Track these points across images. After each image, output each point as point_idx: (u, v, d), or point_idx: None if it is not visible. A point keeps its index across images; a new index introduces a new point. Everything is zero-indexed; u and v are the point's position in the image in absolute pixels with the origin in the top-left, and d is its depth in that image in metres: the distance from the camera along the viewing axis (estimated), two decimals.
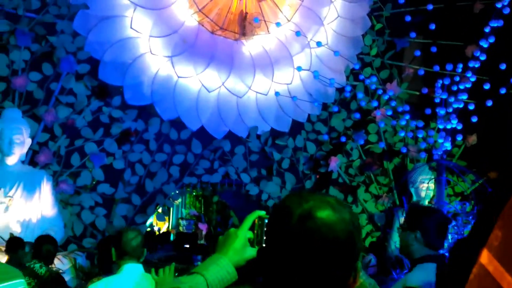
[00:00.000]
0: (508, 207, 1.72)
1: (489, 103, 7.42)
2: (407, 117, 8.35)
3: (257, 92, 9.14)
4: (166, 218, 12.32)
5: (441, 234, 3.67)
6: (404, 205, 7.19)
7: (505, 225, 1.68)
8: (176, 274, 3.82)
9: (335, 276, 1.61)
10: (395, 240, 8.29)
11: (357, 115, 9.13)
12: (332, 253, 1.64)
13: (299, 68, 8.87)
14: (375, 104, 8.88)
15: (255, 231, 2.08)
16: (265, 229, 2.19)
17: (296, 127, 9.45)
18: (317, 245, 1.62)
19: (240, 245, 2.08)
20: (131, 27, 8.37)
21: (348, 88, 8.82)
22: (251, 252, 2.10)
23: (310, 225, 1.64)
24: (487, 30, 6.56)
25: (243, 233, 2.06)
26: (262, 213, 2.10)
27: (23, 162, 7.29)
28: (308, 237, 1.62)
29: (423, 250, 3.53)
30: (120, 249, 4.45)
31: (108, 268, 5.26)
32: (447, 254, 4.74)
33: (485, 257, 1.65)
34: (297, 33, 8.55)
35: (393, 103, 8.51)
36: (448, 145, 7.14)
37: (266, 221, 2.03)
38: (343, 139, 9.27)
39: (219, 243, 2.07)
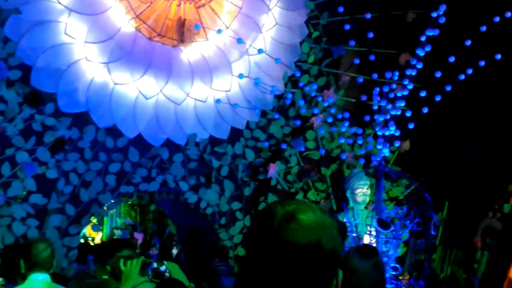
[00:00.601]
0: None
1: (425, 110, 7.64)
2: (347, 123, 8.50)
3: (195, 99, 9.09)
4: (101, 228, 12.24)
5: None
6: (344, 210, 7.32)
7: None
8: None
9: (317, 279, 1.63)
10: None
11: (298, 122, 9.25)
12: (315, 255, 1.67)
13: (241, 76, 8.89)
14: (316, 111, 9.00)
15: None
16: (247, 232, 2.20)
17: (235, 134, 9.46)
18: (299, 246, 1.65)
19: None
20: (65, 33, 8.20)
21: (290, 96, 8.90)
22: None
23: (293, 226, 1.67)
24: (423, 39, 6.75)
25: None
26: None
27: None
28: (291, 239, 1.66)
29: None
30: (29, 261, 4.41)
31: (12, 277, 5.15)
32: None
33: None
34: (239, 40, 8.57)
35: (333, 110, 8.63)
36: (386, 151, 7.31)
37: None
38: (284, 146, 9.36)
39: None
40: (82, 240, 11.64)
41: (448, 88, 7.30)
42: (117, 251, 4.32)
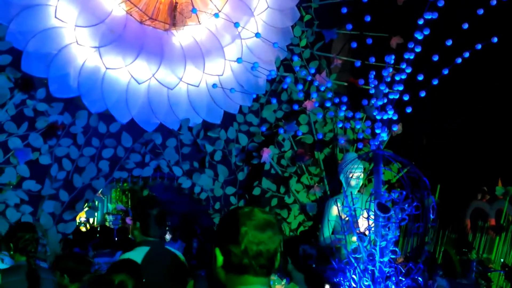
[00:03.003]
0: None
1: (422, 94, 7.69)
2: (344, 107, 8.54)
3: (188, 83, 9.08)
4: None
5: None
6: (343, 194, 7.38)
7: None
8: None
9: None
10: (327, 234, 8.50)
11: (295, 107, 9.26)
12: None
13: (240, 60, 8.83)
14: (314, 95, 9.02)
15: None
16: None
17: (228, 118, 9.49)
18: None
19: None
20: (55, 17, 8.11)
21: (288, 80, 8.88)
22: None
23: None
24: (421, 22, 6.77)
25: None
26: None
27: None
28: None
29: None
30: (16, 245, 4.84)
31: None
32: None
33: None
34: (236, 24, 8.52)
35: (330, 94, 8.66)
36: (384, 135, 7.36)
37: None
38: (281, 130, 9.39)
39: None
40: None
41: (445, 71, 7.36)
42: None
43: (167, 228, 9.22)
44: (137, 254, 4.14)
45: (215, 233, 2.33)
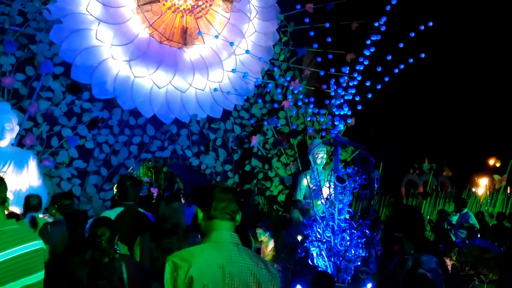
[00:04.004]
0: None
1: (369, 95, 7.74)
2: (311, 106, 8.61)
3: (196, 88, 9.09)
4: None
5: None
6: (311, 170, 7.38)
7: None
8: None
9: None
10: (300, 197, 8.58)
11: (276, 105, 9.32)
12: None
13: (234, 70, 8.87)
14: (289, 97, 9.07)
15: None
16: None
17: (226, 114, 9.51)
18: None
19: None
20: (96, 38, 8.11)
21: (270, 85, 8.94)
22: None
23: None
24: (368, 42, 6.79)
25: None
26: None
27: (13, 144, 6.96)
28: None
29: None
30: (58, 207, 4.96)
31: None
32: None
33: None
34: (231, 43, 8.54)
35: (301, 96, 8.73)
36: (341, 126, 7.39)
37: None
38: (265, 123, 9.43)
39: None
40: None
41: (386, 78, 7.41)
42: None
43: (180, 196, 9.25)
44: (113, 213, 4.19)
45: (198, 199, 2.46)
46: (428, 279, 3.18)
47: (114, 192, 10.52)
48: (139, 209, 4.43)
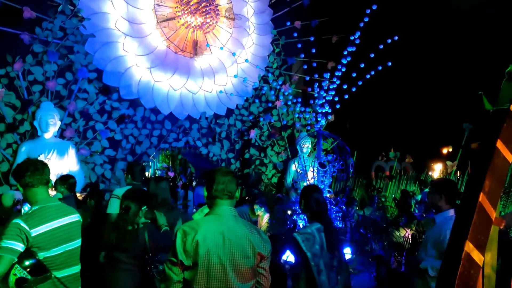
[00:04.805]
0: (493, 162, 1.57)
1: (346, 96, 7.75)
2: (299, 105, 8.59)
3: (205, 90, 9.06)
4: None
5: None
6: (299, 157, 7.38)
7: (491, 175, 1.56)
8: None
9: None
10: (289, 181, 8.58)
11: (270, 104, 9.28)
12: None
13: (235, 76, 8.83)
14: (281, 97, 9.05)
15: None
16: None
17: (229, 111, 9.48)
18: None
19: None
20: (123, 49, 8.07)
21: (265, 88, 8.91)
22: None
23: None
24: (345, 52, 6.79)
25: None
26: None
27: (55, 136, 6.95)
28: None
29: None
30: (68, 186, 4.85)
31: None
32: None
33: (481, 197, 1.54)
34: (233, 54, 8.52)
35: (290, 97, 8.70)
36: (323, 122, 7.41)
37: None
38: (261, 119, 9.41)
39: None
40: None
41: (360, 83, 7.42)
42: None
43: (192, 178, 9.24)
44: (123, 190, 4.16)
45: (205, 181, 2.47)
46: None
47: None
48: (144, 188, 4.48)
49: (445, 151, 13.99)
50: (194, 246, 2.13)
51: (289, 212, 6.78)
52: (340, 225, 6.35)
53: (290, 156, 9.57)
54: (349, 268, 3.93)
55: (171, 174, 11.01)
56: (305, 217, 6.45)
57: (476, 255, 1.53)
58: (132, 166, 4.52)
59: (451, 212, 3.21)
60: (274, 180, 9.62)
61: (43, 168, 2.71)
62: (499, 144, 1.58)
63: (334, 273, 3.08)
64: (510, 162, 1.61)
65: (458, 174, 12.23)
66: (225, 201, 2.30)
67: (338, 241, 3.30)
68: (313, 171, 6.86)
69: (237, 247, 2.18)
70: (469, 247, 1.51)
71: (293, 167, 8.32)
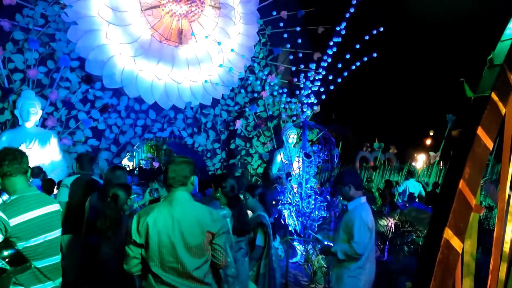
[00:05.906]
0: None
1: (332, 87, 7.74)
2: (285, 95, 8.57)
3: (190, 80, 8.96)
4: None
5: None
6: (284, 147, 7.38)
7: (472, 162, 1.57)
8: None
9: None
10: (274, 171, 8.60)
11: (256, 95, 9.23)
12: None
13: (221, 65, 8.73)
14: (267, 88, 9.00)
15: None
16: None
17: (215, 101, 9.40)
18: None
19: None
20: (106, 37, 7.91)
21: (251, 78, 8.86)
22: None
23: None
24: (331, 43, 6.77)
25: None
26: None
27: (37, 125, 6.82)
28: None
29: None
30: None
31: None
32: None
33: (461, 183, 1.54)
34: (219, 43, 8.43)
35: (276, 87, 8.67)
36: (309, 112, 7.42)
37: None
38: (247, 109, 9.35)
39: None
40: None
41: (345, 73, 7.43)
42: None
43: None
44: (71, 179, 4.49)
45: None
46: None
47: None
48: (93, 177, 4.64)
49: (428, 142, 14.20)
50: (145, 227, 2.38)
51: (274, 202, 6.81)
52: (325, 215, 6.39)
53: (276, 146, 9.57)
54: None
55: (156, 164, 10.96)
56: (289, 207, 6.48)
57: (456, 242, 1.54)
58: (80, 156, 4.67)
59: (363, 199, 3.30)
60: (260, 170, 9.63)
61: (21, 157, 2.62)
62: (480, 132, 1.59)
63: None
64: (490, 149, 1.62)
65: (441, 165, 12.44)
66: (178, 188, 2.47)
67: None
68: (298, 162, 6.87)
69: (185, 227, 2.39)
70: (448, 234, 1.52)
71: (279, 157, 8.33)
